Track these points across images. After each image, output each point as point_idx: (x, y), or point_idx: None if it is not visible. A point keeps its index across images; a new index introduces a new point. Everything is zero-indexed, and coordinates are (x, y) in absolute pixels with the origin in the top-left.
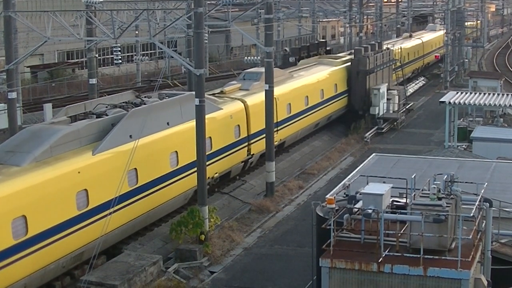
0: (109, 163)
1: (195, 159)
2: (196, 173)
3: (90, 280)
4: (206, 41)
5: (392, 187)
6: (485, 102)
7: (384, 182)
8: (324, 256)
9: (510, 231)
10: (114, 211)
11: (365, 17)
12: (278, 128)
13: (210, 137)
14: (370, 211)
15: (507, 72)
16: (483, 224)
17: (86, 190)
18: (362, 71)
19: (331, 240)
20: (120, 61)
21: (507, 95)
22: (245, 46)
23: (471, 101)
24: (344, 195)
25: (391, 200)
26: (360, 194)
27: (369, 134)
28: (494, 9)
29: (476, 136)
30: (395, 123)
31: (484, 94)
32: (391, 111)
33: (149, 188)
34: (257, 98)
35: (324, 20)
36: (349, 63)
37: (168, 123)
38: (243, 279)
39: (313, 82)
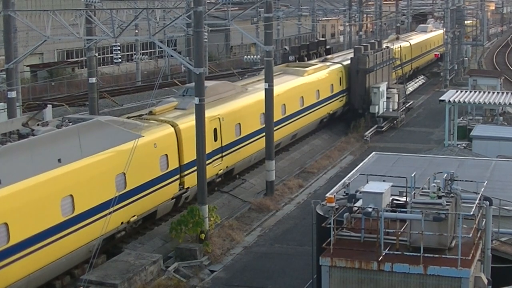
0: None
1: (101, 201)
2: (103, 219)
3: (90, 280)
4: (206, 40)
5: (392, 186)
6: (484, 100)
7: (384, 181)
8: (324, 255)
9: (510, 229)
10: None
11: (364, 15)
12: (223, 153)
13: (123, 173)
14: (370, 209)
15: (506, 70)
16: (483, 222)
17: None
18: (362, 69)
19: (331, 238)
20: (120, 60)
21: (507, 93)
22: (245, 45)
23: (471, 100)
24: (344, 194)
25: (391, 198)
26: (360, 192)
27: (369, 133)
28: (493, 8)
29: (476, 134)
30: (395, 121)
31: (484, 92)
32: (390, 110)
33: (28, 245)
34: (194, 120)
35: (323, 18)
36: (322, 72)
37: (59, 160)
38: (243, 278)
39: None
